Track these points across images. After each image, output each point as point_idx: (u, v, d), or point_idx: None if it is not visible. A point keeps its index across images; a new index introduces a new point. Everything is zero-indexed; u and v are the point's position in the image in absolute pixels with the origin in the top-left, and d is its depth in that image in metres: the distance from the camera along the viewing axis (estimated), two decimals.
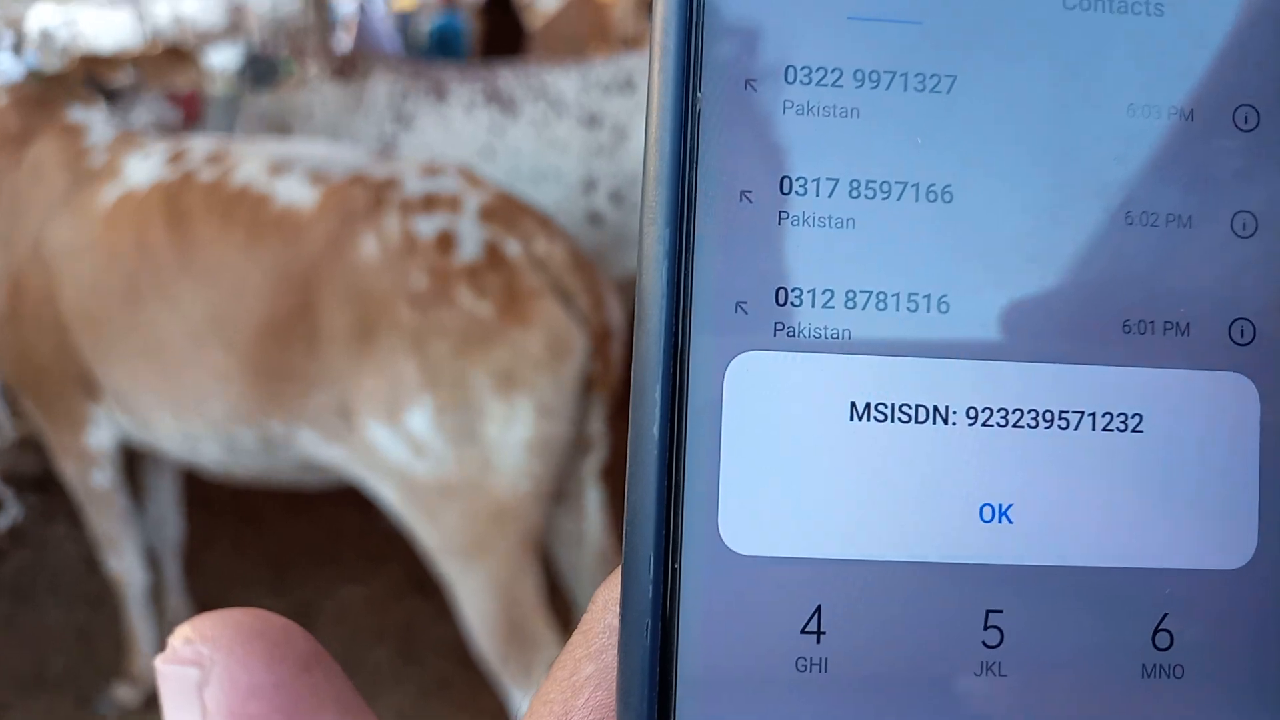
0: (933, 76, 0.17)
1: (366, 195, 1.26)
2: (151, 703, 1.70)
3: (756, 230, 0.17)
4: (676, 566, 0.17)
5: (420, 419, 1.21)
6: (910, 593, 0.17)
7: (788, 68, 0.17)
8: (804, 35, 0.17)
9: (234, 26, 5.26)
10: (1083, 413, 0.17)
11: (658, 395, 0.17)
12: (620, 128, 2.23)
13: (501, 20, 4.34)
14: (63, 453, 1.54)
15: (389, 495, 1.29)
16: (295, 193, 1.29)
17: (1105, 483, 0.17)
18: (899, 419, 0.17)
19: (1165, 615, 0.17)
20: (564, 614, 1.40)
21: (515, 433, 1.20)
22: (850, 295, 0.17)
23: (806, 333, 0.17)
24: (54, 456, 1.57)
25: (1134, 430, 0.17)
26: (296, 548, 2.13)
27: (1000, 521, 0.17)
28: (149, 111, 2.05)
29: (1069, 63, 0.17)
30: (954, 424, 0.17)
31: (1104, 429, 0.17)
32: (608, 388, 1.27)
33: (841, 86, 0.17)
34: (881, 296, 0.17)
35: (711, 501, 0.17)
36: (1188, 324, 0.17)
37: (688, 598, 0.17)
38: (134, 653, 1.69)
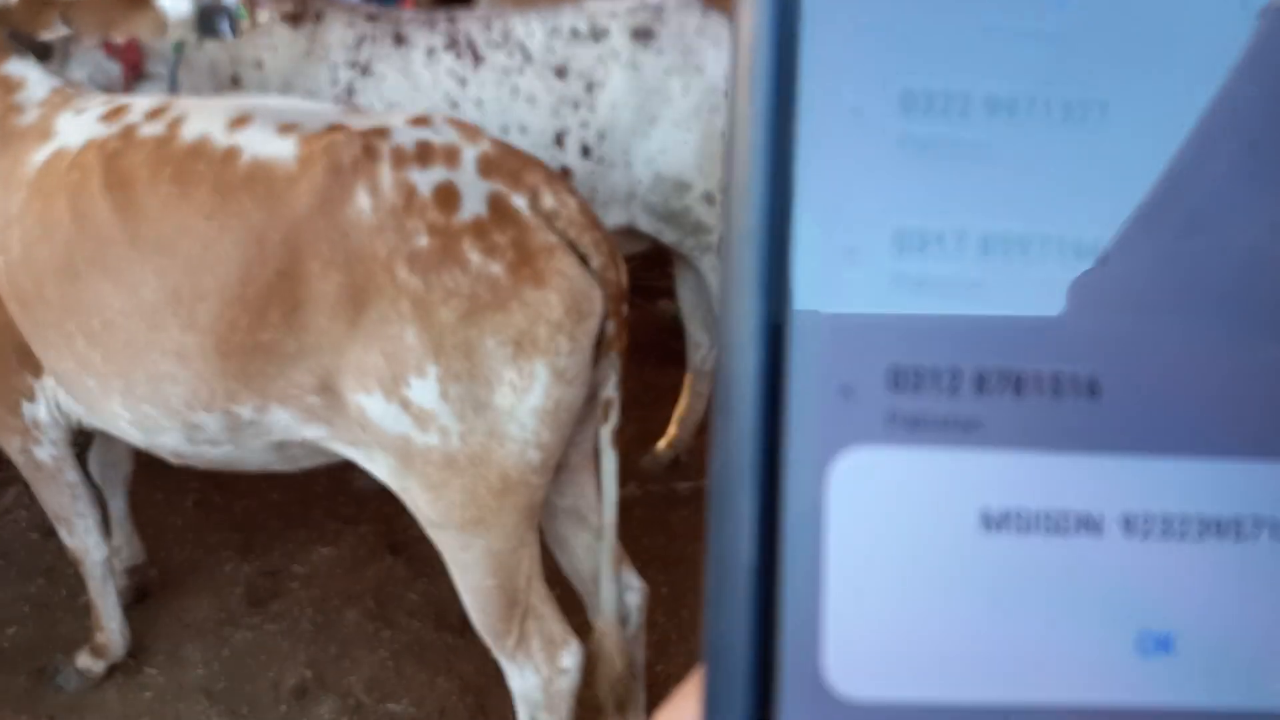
0: (1080, 103, 0.14)
1: (354, 145, 1.13)
2: (114, 673, 1.65)
3: (865, 293, 0.14)
4: (770, 717, 0.14)
5: (423, 389, 1.12)
6: None
7: (905, 91, 0.13)
8: (927, 50, 0.13)
9: None
10: (1260, 520, 0.14)
11: (747, 504, 0.13)
12: (588, 77, 2.17)
13: None
14: (3, 427, 1.45)
15: (382, 468, 1.21)
16: (267, 146, 1.16)
17: None
18: (1041, 530, 0.14)
19: None
20: (559, 583, 1.37)
21: (529, 401, 1.12)
22: (980, 378, 0.14)
23: (927, 423, 0.14)
24: None
25: None
26: (265, 510, 2.09)
27: (1162, 654, 0.14)
28: (82, 65, 1.93)
29: (1260, 83, 0.13)
30: (1107, 534, 0.14)
31: None
32: (620, 348, 1.20)
33: (969, 116, 0.14)
34: (1019, 378, 0.14)
35: (813, 634, 0.14)
36: None
37: None
38: (97, 624, 1.64)
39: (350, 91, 2.28)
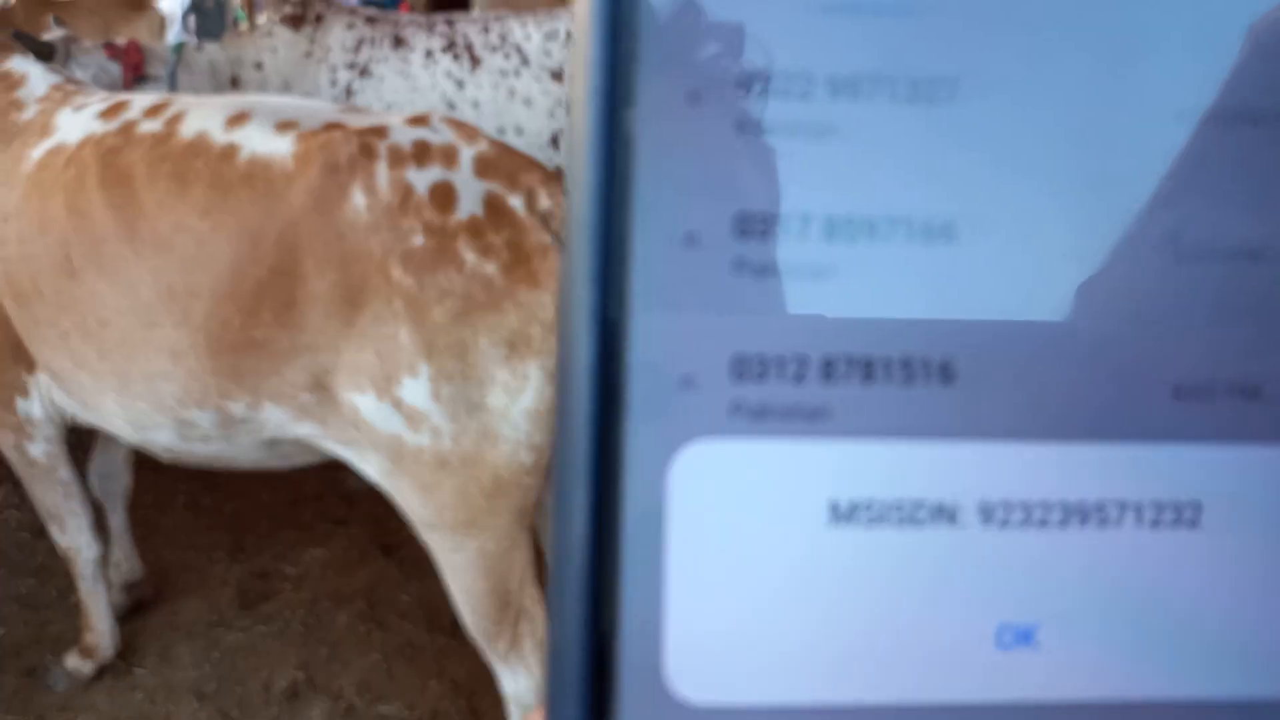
0: (929, 81, 0.13)
1: (351, 144, 1.13)
2: (104, 674, 1.64)
3: (706, 282, 0.13)
4: None
5: (415, 389, 1.11)
6: None
7: (743, 74, 0.13)
8: (765, 32, 0.13)
9: None
10: (1125, 504, 0.13)
11: (583, 501, 0.13)
12: None
13: None
14: None
15: (374, 468, 1.20)
16: (265, 143, 1.15)
17: (1155, 593, 0.13)
18: (892, 521, 0.13)
19: None
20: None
21: (521, 402, 1.11)
22: (828, 364, 0.13)
23: (772, 413, 0.13)
24: None
25: (1190, 525, 0.14)
26: (256, 511, 2.08)
27: (1023, 647, 0.13)
28: (84, 67, 1.93)
29: (1102, 58, 0.13)
30: (963, 524, 0.13)
31: (1152, 524, 0.13)
32: None
33: (812, 99, 0.13)
34: (868, 364, 0.13)
35: (654, 637, 0.13)
36: (1257, 387, 0.13)
37: None
38: (87, 625, 1.63)
39: (349, 93, 2.29)
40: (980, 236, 0.13)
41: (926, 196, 0.13)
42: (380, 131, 1.15)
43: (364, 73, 2.33)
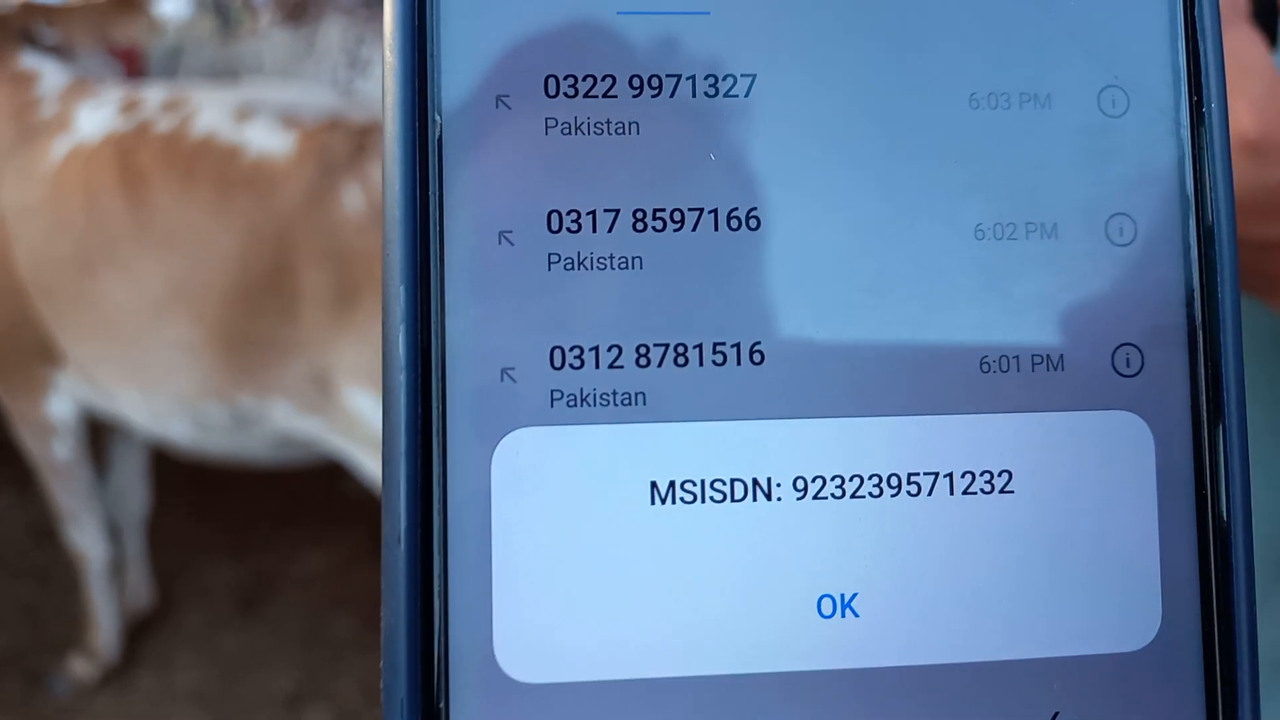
0: (727, 77, 0.14)
1: (348, 141, 1.14)
2: (109, 680, 1.64)
3: (521, 278, 0.14)
4: (442, 705, 0.13)
5: None
6: (740, 714, 0.13)
7: (549, 78, 0.14)
8: (567, 37, 0.14)
9: None
10: (936, 474, 0.14)
11: (405, 489, 0.13)
12: None
13: None
14: (21, 422, 1.44)
15: (371, 466, 1.21)
16: (267, 141, 1.17)
17: (969, 559, 0.14)
18: (711, 498, 0.14)
19: (1056, 715, 0.14)
20: None
21: None
22: (642, 350, 0.14)
23: (591, 400, 0.14)
24: (12, 425, 1.48)
25: (1001, 491, 0.14)
26: (257, 513, 2.07)
27: (844, 615, 0.14)
28: (87, 66, 1.94)
29: (895, 46, 0.14)
30: (779, 499, 0.14)
31: (964, 492, 0.14)
32: None
33: (616, 97, 0.14)
34: (681, 349, 0.14)
35: (484, 618, 0.14)
36: (1061, 356, 0.14)
37: None
38: (92, 628, 1.62)
39: (350, 91, 2.28)
40: (783, 222, 0.14)
41: (730, 186, 0.14)
42: (378, 129, 1.17)
43: (365, 70, 2.32)
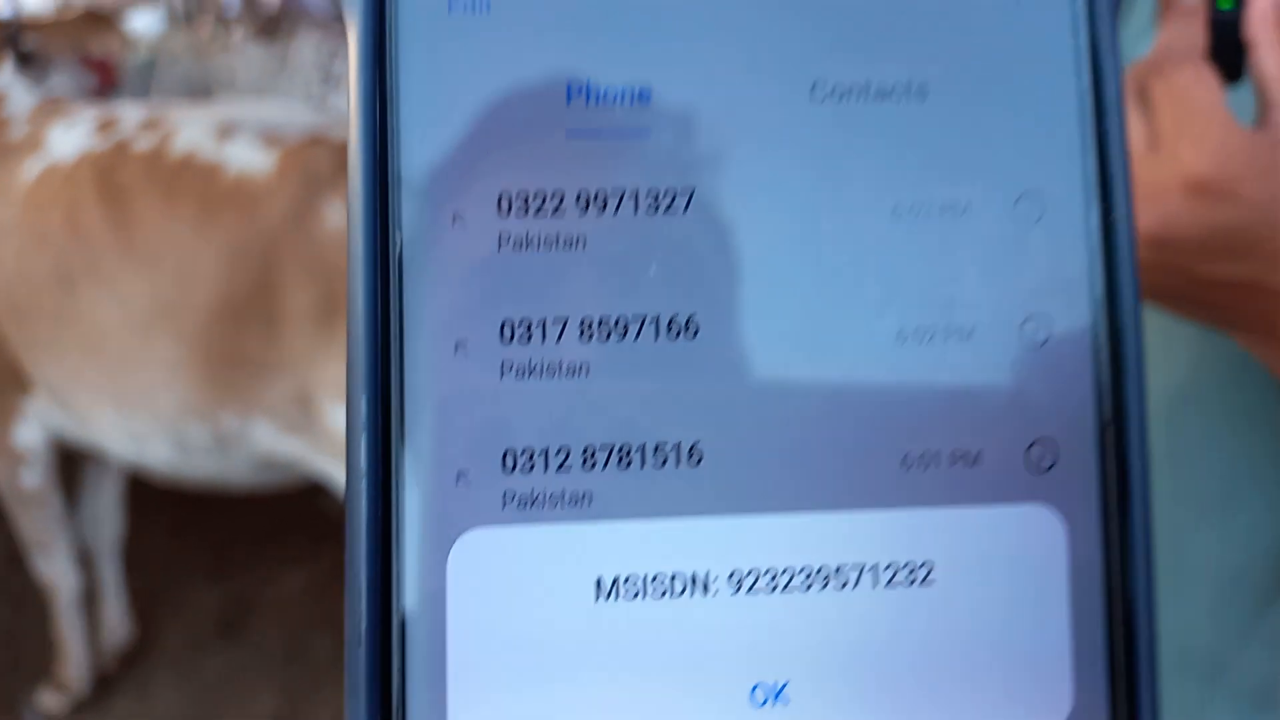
0: (667, 193, 0.15)
1: (329, 158, 1.15)
2: (80, 710, 1.62)
3: (475, 385, 0.15)
4: None
5: None
6: None
7: (502, 195, 0.15)
8: (519, 157, 0.15)
9: None
10: (862, 567, 0.15)
11: (365, 593, 0.14)
12: None
13: None
14: None
15: None
16: (248, 158, 1.17)
17: (893, 649, 0.15)
18: (652, 593, 0.14)
19: None
20: None
21: None
22: (589, 452, 0.15)
23: (540, 501, 0.15)
24: None
25: (923, 583, 0.15)
26: (236, 533, 2.05)
27: (775, 704, 0.15)
28: (63, 78, 1.92)
29: (823, 163, 0.15)
30: (716, 593, 0.15)
31: (888, 584, 0.15)
32: None
33: (564, 213, 0.15)
34: (625, 450, 0.15)
35: (439, 717, 0.14)
36: (978, 452, 0.15)
37: None
38: (63, 659, 1.60)
39: (324, 107, 2.27)
40: (719, 330, 0.15)
41: (669, 296, 0.15)
42: None
43: (339, 85, 2.31)
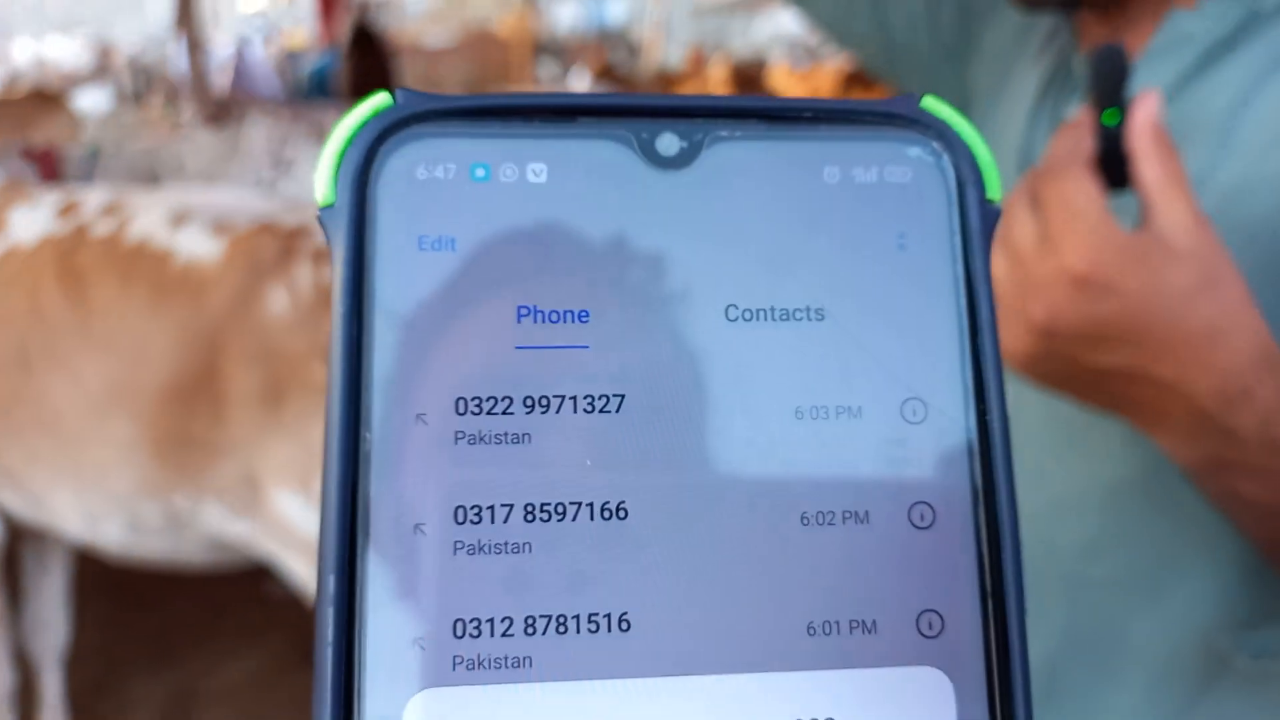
0: (601, 397, 0.17)
1: (275, 245, 1.18)
2: None
3: (431, 562, 0.17)
4: None
5: None
6: None
7: (458, 399, 0.17)
8: (473, 366, 0.17)
9: (101, 69, 5.05)
10: None
11: None
12: None
13: (368, 60, 4.21)
14: None
15: (301, 571, 1.20)
16: (198, 246, 1.20)
17: None
18: None
19: None
20: None
21: None
22: (530, 621, 0.17)
23: (486, 664, 0.16)
24: None
25: None
26: (175, 622, 2.00)
27: None
28: (2, 170, 1.91)
29: (733, 374, 0.17)
30: None
31: None
32: None
33: (512, 414, 0.17)
34: (562, 620, 0.17)
35: None
36: (874, 621, 0.17)
37: None
38: None
39: (273, 190, 2.28)
40: (646, 511, 0.17)
41: (602, 485, 0.17)
42: (305, 232, 1.21)
43: (289, 169, 2.33)
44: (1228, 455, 0.41)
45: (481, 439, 0.17)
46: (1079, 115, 0.43)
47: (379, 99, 0.18)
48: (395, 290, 0.17)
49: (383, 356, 0.17)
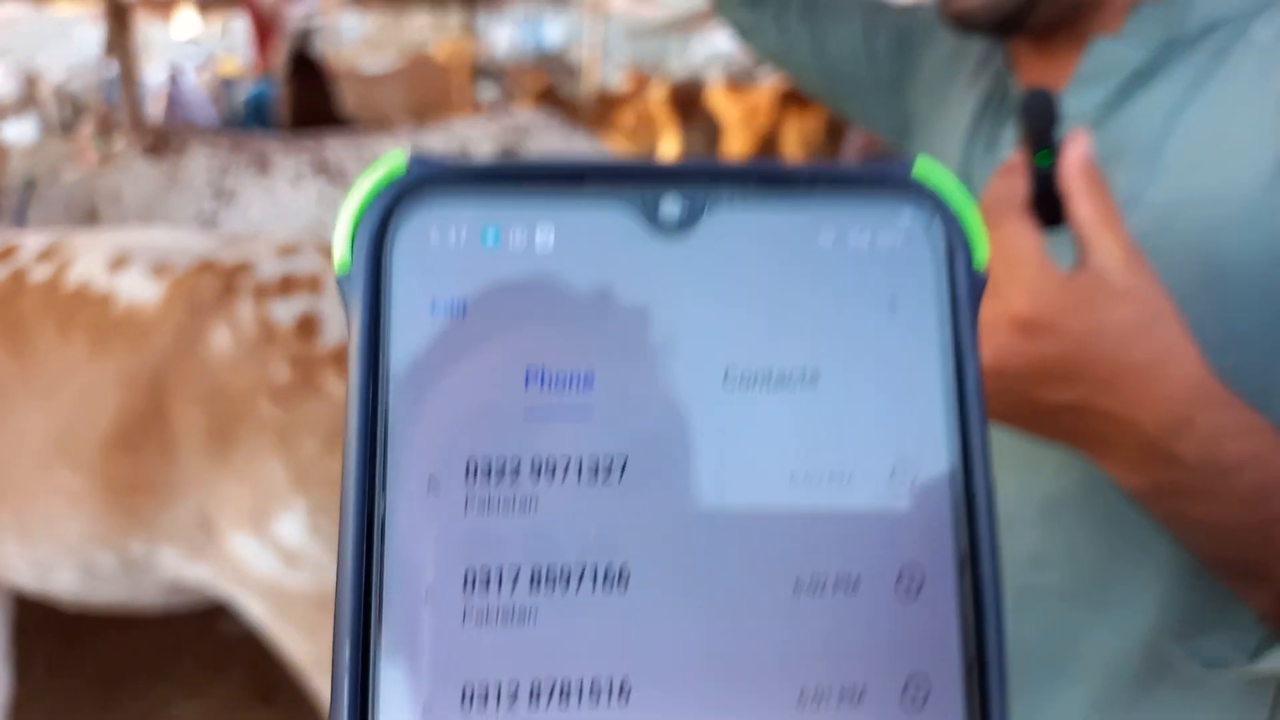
0: (606, 457, 0.18)
1: (215, 284, 1.16)
2: None
3: (440, 630, 0.17)
4: None
5: (291, 526, 1.11)
6: None
7: (469, 463, 0.17)
8: (484, 433, 0.18)
9: (27, 98, 4.93)
10: None
11: None
12: None
13: (307, 87, 4.17)
14: None
15: (258, 611, 1.18)
16: (137, 289, 1.18)
17: None
18: None
19: None
20: None
21: None
22: (534, 688, 0.17)
23: None
24: None
25: None
26: (125, 662, 1.95)
27: None
28: None
29: (732, 438, 0.18)
30: None
31: None
32: None
33: (520, 478, 0.18)
34: (565, 686, 0.17)
35: None
36: (862, 689, 0.18)
37: None
38: None
39: (214, 222, 2.25)
40: (647, 578, 0.18)
41: (605, 551, 0.18)
42: (246, 268, 1.18)
43: (230, 200, 2.29)
44: (1175, 480, 0.42)
45: (490, 504, 0.17)
46: (1013, 158, 0.45)
47: (391, 163, 0.18)
48: (408, 352, 0.18)
49: (397, 419, 0.17)
